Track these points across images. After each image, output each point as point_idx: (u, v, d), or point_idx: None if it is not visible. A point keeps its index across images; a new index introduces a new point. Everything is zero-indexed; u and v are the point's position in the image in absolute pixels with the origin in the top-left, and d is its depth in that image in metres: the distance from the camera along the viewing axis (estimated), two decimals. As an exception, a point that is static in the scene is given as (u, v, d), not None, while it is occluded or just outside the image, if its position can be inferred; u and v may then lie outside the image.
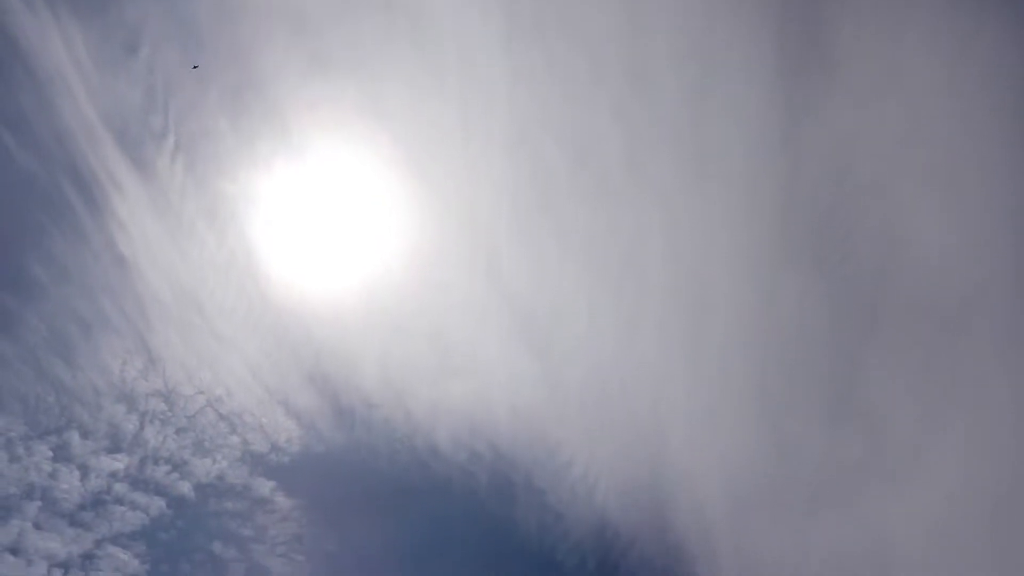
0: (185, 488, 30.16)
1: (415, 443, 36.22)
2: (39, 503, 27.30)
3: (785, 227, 29.32)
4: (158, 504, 29.42)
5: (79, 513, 27.86)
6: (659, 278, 31.94)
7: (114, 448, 29.47)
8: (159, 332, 31.66)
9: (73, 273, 30.55)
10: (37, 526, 26.97)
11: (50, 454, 28.07)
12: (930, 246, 27.47)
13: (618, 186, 31.34)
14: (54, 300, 30.27)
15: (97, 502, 28.38)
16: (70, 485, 27.87)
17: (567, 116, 31.85)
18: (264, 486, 31.94)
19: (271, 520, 32.32)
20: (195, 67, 29.84)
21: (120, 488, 29.00)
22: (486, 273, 33.43)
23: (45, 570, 26.37)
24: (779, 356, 31.65)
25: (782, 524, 31.39)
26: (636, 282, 32.37)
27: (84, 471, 28.43)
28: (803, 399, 31.35)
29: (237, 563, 30.37)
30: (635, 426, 34.30)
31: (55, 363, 29.47)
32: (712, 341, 32.97)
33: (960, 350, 26.90)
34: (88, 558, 27.38)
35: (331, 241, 33.37)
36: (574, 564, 35.79)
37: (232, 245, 32.58)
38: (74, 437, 28.54)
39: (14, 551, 26.29)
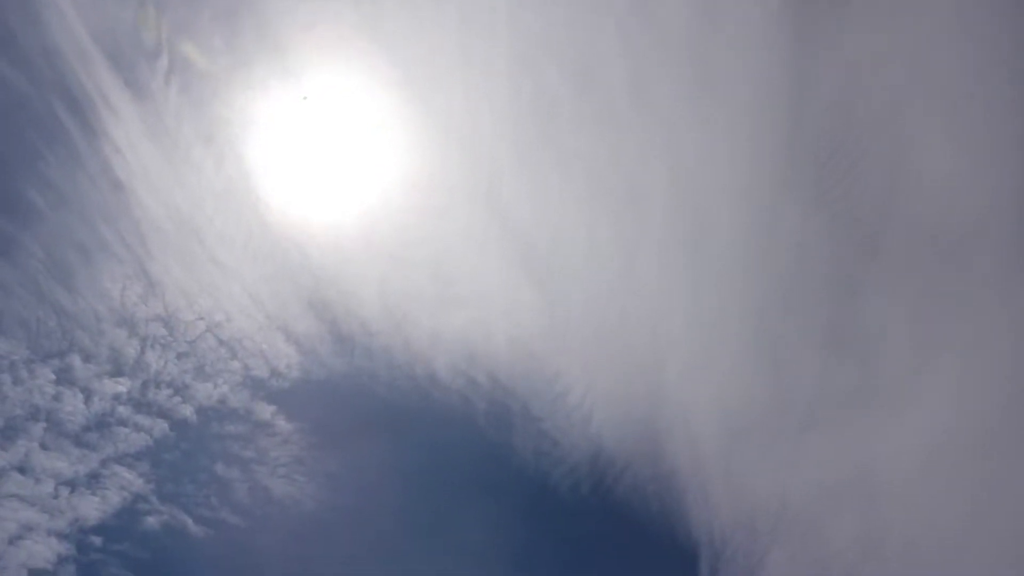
0: (187, 411, 30.63)
1: (414, 371, 36.63)
2: (44, 424, 27.73)
3: (790, 156, 28.97)
4: (161, 426, 29.93)
5: (84, 434, 28.35)
6: (661, 207, 31.72)
7: (116, 372, 29.77)
8: (158, 258, 31.59)
9: (70, 198, 30.28)
10: (43, 446, 27.47)
11: (53, 377, 28.36)
12: (935, 176, 27.19)
13: (621, 113, 30.79)
14: (52, 225, 30.10)
15: (101, 424, 28.85)
16: (74, 407, 28.26)
17: (570, 41, 31.03)
18: (265, 410, 32.43)
19: (272, 443, 32.92)
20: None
21: (123, 411, 29.44)
22: (486, 201, 33.18)
23: (53, 488, 26.98)
24: (778, 285, 31.70)
25: (773, 453, 31.99)
26: (637, 211, 32.16)
27: (87, 394, 28.78)
28: (800, 329, 31.56)
29: (240, 483, 31.08)
30: (632, 356, 34.60)
31: (55, 288, 29.50)
32: (712, 271, 32.99)
33: (960, 280, 26.94)
34: (94, 477, 27.99)
35: (329, 167, 32.98)
36: (568, 488, 36.65)
37: (230, 171, 32.20)
38: (76, 361, 28.78)
39: (22, 470, 26.86)
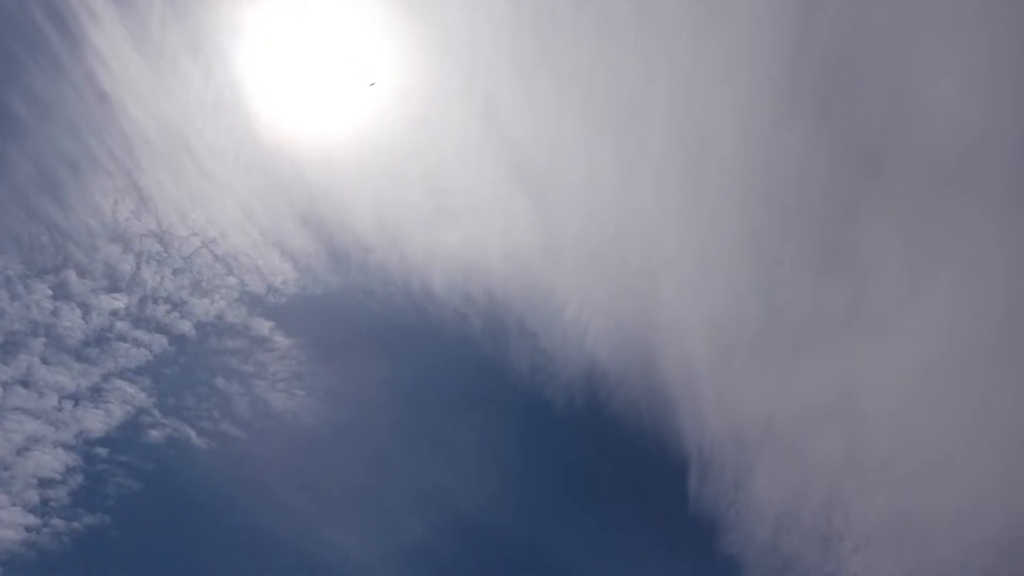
0: (186, 327, 30.83)
1: (410, 286, 36.79)
2: (44, 339, 27.90)
3: (793, 76, 28.25)
4: (160, 342, 30.18)
5: (84, 349, 28.60)
6: (660, 125, 31.15)
7: (113, 288, 29.76)
8: (149, 172, 31.06)
9: (55, 110, 29.48)
10: (44, 361, 27.72)
11: (50, 293, 28.33)
12: (938, 100, 26.66)
13: (623, 28, 29.78)
14: (38, 138, 29.41)
15: (101, 339, 29.06)
16: (72, 323, 28.37)
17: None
18: (263, 326, 32.69)
19: (271, 358, 33.36)
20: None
21: (122, 326, 29.61)
22: (483, 116, 32.48)
23: (56, 401, 27.41)
24: (775, 206, 31.56)
25: (763, 371, 32.67)
26: (636, 128, 31.59)
27: (85, 309, 28.85)
28: (795, 250, 31.63)
29: (240, 397, 31.65)
30: (628, 273, 34.76)
31: (46, 203, 29.10)
32: (709, 190, 32.74)
33: (958, 205, 26.86)
34: (96, 391, 28.41)
35: (322, 79, 32.04)
36: (562, 402, 37.53)
37: (218, 81, 31.27)
38: (72, 276, 28.70)
39: (24, 384, 27.20)
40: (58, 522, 26.78)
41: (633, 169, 32.58)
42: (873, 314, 29.05)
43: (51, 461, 26.97)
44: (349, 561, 33.36)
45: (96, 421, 27.87)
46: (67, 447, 27.43)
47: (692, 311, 33.62)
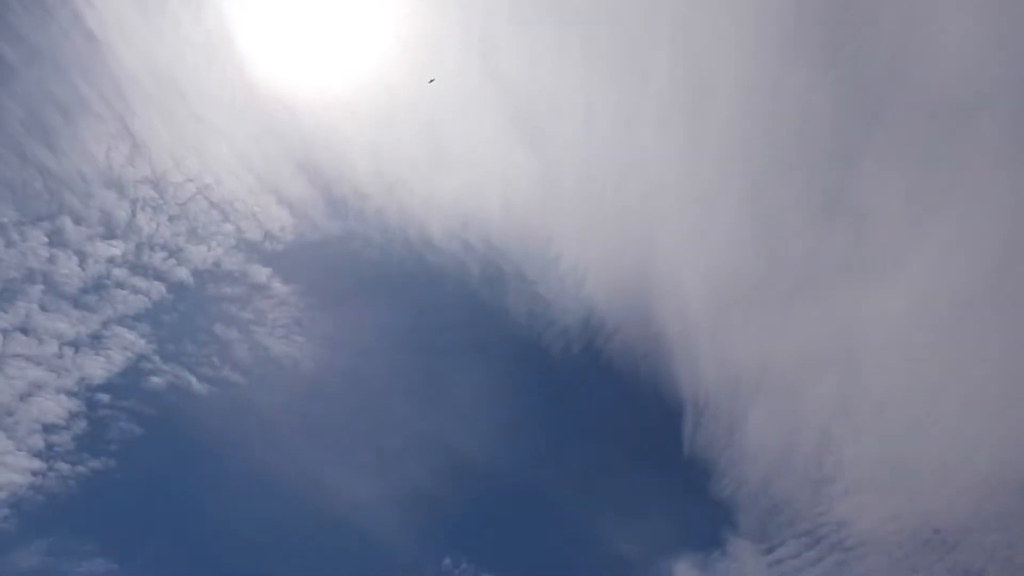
0: (183, 274, 30.77)
1: (408, 234, 36.67)
2: (41, 287, 27.84)
3: (797, 19, 27.66)
4: (158, 289, 30.17)
5: (82, 296, 28.59)
6: (661, 71, 30.60)
7: (108, 235, 29.60)
8: (141, 117, 30.58)
9: (42, 51, 28.84)
10: (43, 308, 27.73)
11: (45, 240, 28.18)
12: (944, 44, 26.17)
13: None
14: (26, 81, 28.84)
15: (99, 286, 29.03)
16: (70, 270, 28.29)
17: None
18: (260, 273, 32.64)
19: (269, 305, 33.42)
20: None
21: (119, 273, 29.55)
22: (481, 62, 31.87)
23: (56, 348, 27.53)
24: (777, 153, 31.28)
25: (760, 317, 32.86)
26: (637, 74, 31.05)
27: (82, 256, 28.75)
28: (796, 197, 31.48)
29: (239, 343, 31.80)
30: (627, 220, 34.64)
31: (37, 148, 28.70)
32: (710, 137, 32.37)
33: (960, 150, 26.63)
34: (96, 338, 28.51)
35: (317, 24, 31.31)
36: (560, 349, 37.82)
37: (209, 24, 30.58)
38: (67, 223, 28.50)
39: (24, 331, 27.26)
40: (63, 466, 27.19)
41: (633, 116, 32.15)
42: (871, 261, 29.09)
43: (54, 407, 27.22)
44: (351, 502, 34.04)
45: (97, 368, 28.03)
46: (69, 393, 27.65)
47: (691, 258, 33.63)
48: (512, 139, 33.58)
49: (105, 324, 28.81)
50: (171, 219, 31.05)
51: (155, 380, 29.45)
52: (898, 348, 29.27)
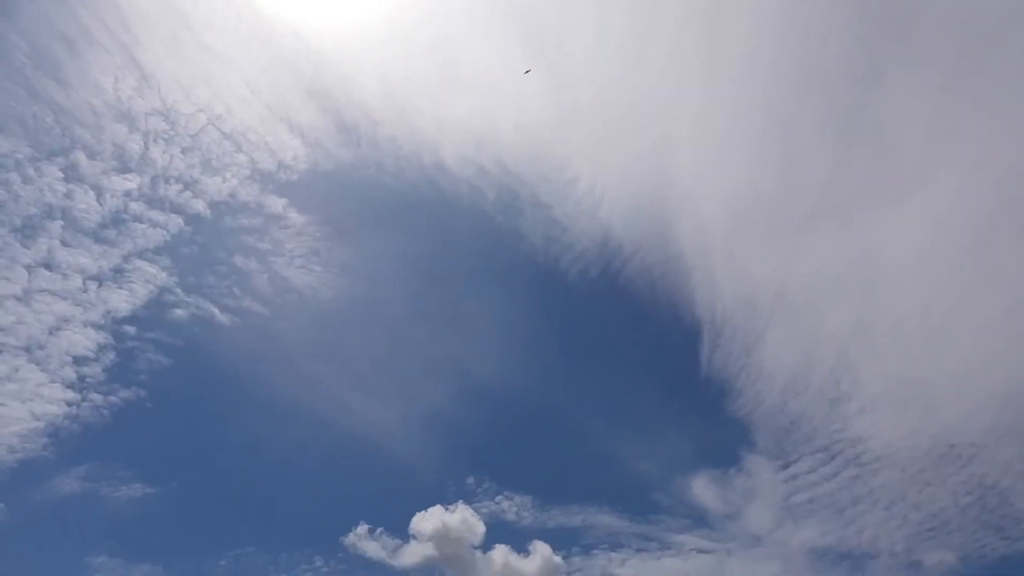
0: (200, 206, 30.85)
1: (421, 160, 36.36)
2: (61, 222, 28.02)
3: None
4: (176, 222, 30.31)
5: (101, 231, 28.79)
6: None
7: (123, 168, 29.56)
8: (147, 47, 30.07)
9: (42, -19, 28.26)
10: (64, 243, 27.98)
11: (61, 175, 28.20)
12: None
13: None
14: (28, 14, 28.34)
15: (117, 220, 29.18)
16: (87, 205, 28.41)
17: None
18: (276, 203, 32.68)
19: (286, 235, 33.57)
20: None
21: (136, 207, 29.65)
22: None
23: (80, 283, 27.89)
24: (797, 71, 30.40)
25: (777, 240, 32.65)
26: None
27: (98, 191, 28.81)
28: (816, 117, 30.77)
29: (258, 274, 32.12)
30: (643, 141, 34.08)
31: (46, 82, 28.41)
32: (729, 54, 31.42)
33: (987, 71, 25.75)
34: (119, 272, 28.84)
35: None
36: (577, 273, 37.94)
37: (211, -53, 29.68)
38: (81, 158, 28.44)
39: (47, 266, 27.58)
40: (96, 397, 27.96)
41: (647, 33, 31.15)
42: (892, 182, 28.61)
43: (83, 340, 27.78)
44: (371, 426, 34.99)
45: (121, 301, 28.45)
46: (96, 326, 28.17)
47: (708, 179, 33.23)
48: (525, 59, 32.78)
49: (126, 258, 29.09)
50: (184, 151, 30.92)
51: (178, 312, 29.95)
52: (917, 269, 29.13)
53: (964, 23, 25.73)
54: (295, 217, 32.81)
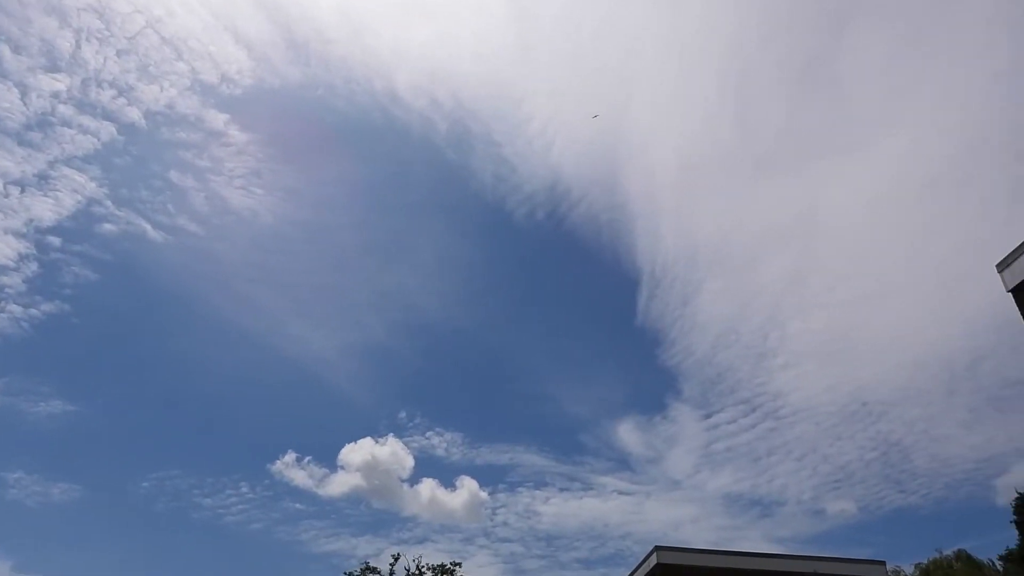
0: (134, 115, 29.44)
1: (373, 85, 35.16)
2: (-20, 120, 26.64)
3: None
4: (108, 129, 28.92)
5: (26, 133, 27.31)
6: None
7: (52, 67, 27.90)
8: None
9: None
10: (-17, 143, 26.67)
11: (-19, 69, 26.66)
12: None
13: None
14: None
15: (43, 123, 27.71)
16: (11, 103, 26.83)
17: None
18: (217, 118, 31.36)
19: (227, 153, 32.40)
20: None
21: (65, 110, 28.15)
22: None
23: (1, 186, 26.66)
24: (760, 18, 29.92)
25: (725, 192, 32.60)
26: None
27: (23, 89, 27.22)
28: (775, 68, 30.43)
29: (196, 192, 31.04)
30: (600, 84, 33.44)
31: (-34, -35, 26.59)
32: (692, 1, 30.74)
33: (949, 27, 25.65)
34: (44, 178, 27.54)
35: None
36: (524, 214, 37.56)
37: None
38: (5, 51, 26.61)
39: (-36, 169, 26.32)
40: (15, 308, 26.96)
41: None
42: (844, 136, 28.66)
43: (2, 248, 26.72)
44: (307, 354, 34.67)
45: (46, 209, 27.23)
46: (17, 234, 27.04)
47: (663, 125, 32.84)
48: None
49: (52, 164, 27.74)
50: (119, 54, 29.36)
51: (108, 226, 28.88)
52: (859, 227, 29.44)
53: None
54: (237, 135, 31.63)
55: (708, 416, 31.39)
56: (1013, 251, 5.70)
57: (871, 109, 28.37)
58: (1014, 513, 17.19)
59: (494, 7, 33.82)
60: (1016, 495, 17.32)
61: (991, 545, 27.64)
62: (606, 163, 33.71)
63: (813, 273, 30.50)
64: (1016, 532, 17.22)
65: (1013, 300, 5.70)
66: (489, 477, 32.79)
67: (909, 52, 27.53)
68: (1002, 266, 5.85)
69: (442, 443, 30.47)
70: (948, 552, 19.69)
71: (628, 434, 32.88)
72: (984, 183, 25.33)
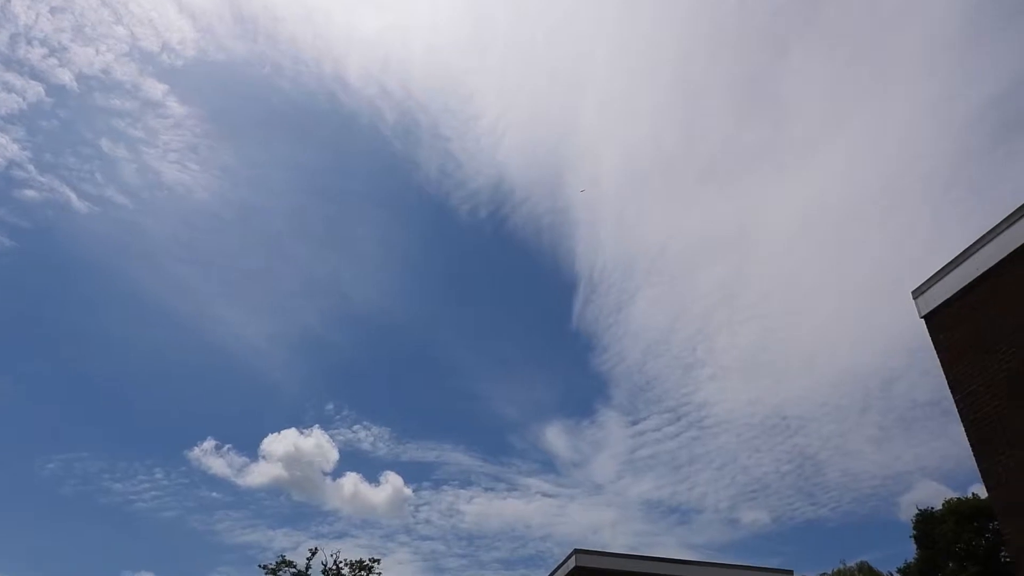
0: (66, 77, 28.33)
1: (322, 69, 34.54)
2: None
3: None
4: (36, 89, 27.76)
5: (-56, 87, 25.96)
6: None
7: (-23, 21, 26.60)
8: None
9: None
10: None
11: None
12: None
13: None
14: None
15: (-36, 78, 26.36)
16: (-71, 55, 25.44)
17: None
18: (156, 88, 30.42)
19: (163, 125, 31.42)
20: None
21: (-10, 67, 26.88)
22: None
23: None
24: (710, 33, 30.65)
25: (666, 202, 33.28)
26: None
27: (-56, 41, 25.86)
28: (724, 78, 31.24)
29: (127, 163, 30.02)
30: (552, 86, 33.69)
31: None
32: (645, 8, 31.20)
33: (890, 53, 26.71)
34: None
35: None
36: (467, 211, 37.53)
37: None
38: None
39: None
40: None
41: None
42: (784, 154, 29.59)
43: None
44: (234, 338, 33.90)
45: (-39, 168, 25.91)
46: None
47: (610, 132, 33.32)
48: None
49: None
50: (53, 11, 28.21)
51: (29, 192, 27.63)
52: (790, 244, 30.47)
53: (871, 7, 26.49)
54: (175, 107, 30.75)
55: (635, 423, 32.00)
56: (928, 279, 5.97)
57: (809, 129, 29.46)
58: (914, 529, 18.17)
59: (448, 2, 33.74)
60: (917, 512, 18.28)
61: (891, 558, 29.11)
62: (552, 165, 34.04)
63: (743, 287, 31.46)
64: (914, 546, 18.15)
65: (926, 327, 5.97)
66: (414, 474, 32.69)
67: (850, 77, 28.69)
68: (917, 293, 6.12)
69: (369, 437, 30.17)
70: (851, 563, 20.62)
71: (556, 437, 33.25)
72: (909, 209, 26.61)
